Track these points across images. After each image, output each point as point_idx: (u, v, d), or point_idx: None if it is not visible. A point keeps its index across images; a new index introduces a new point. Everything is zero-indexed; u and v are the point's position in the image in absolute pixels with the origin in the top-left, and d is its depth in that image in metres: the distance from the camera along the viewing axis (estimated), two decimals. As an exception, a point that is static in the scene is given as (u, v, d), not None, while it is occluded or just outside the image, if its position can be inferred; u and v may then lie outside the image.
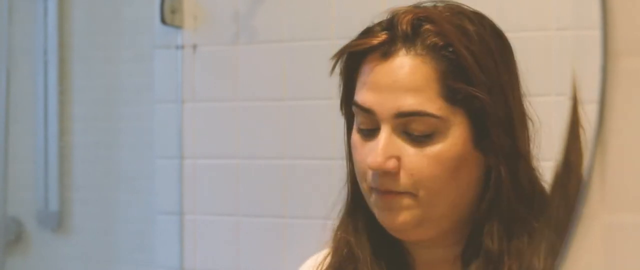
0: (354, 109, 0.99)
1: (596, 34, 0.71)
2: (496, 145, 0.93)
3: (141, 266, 1.98)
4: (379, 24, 1.01)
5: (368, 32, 1.01)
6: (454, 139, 0.93)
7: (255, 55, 1.81)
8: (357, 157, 0.98)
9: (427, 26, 0.95)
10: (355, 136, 0.98)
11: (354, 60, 1.01)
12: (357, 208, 1.03)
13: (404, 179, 0.94)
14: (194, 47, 1.87)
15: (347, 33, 1.74)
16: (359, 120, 0.98)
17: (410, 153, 0.93)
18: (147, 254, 1.94)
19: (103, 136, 2.02)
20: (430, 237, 0.97)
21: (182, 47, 1.87)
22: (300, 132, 1.78)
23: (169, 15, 1.86)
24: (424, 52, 0.94)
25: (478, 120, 0.93)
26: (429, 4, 1.00)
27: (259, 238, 1.82)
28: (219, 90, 1.85)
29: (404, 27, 0.96)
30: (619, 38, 0.69)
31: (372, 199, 0.98)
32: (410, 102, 0.93)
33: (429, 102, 0.92)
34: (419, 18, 0.96)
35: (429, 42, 0.95)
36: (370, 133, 0.96)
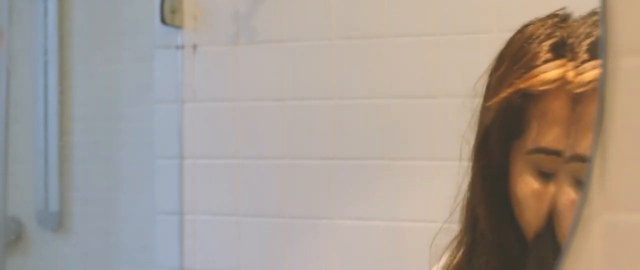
0: (536, 156, 0.88)
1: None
2: None
3: (141, 266, 1.98)
4: (541, 48, 0.87)
5: (536, 62, 0.87)
6: None
7: (255, 55, 1.81)
8: (536, 204, 0.88)
9: None
10: (531, 181, 0.88)
11: (523, 99, 0.88)
12: (477, 256, 0.95)
13: None
14: (194, 47, 1.87)
15: (347, 33, 1.75)
16: (543, 165, 0.88)
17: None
18: (147, 254, 1.94)
19: (103, 136, 2.02)
20: None
21: (182, 47, 1.87)
22: (300, 132, 1.78)
23: (169, 15, 1.86)
24: None
25: None
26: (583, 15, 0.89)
27: (260, 238, 1.82)
28: (219, 90, 1.85)
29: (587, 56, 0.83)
30: (619, 38, 0.69)
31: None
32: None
33: None
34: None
35: None
36: (552, 174, 0.87)
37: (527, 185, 0.89)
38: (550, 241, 0.87)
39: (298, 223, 1.78)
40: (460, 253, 0.98)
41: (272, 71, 1.80)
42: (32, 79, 2.06)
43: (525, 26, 0.92)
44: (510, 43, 0.92)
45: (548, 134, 0.86)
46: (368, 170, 1.71)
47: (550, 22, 0.91)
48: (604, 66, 0.69)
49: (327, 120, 1.74)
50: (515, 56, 0.90)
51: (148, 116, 1.93)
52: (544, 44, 0.88)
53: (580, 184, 0.82)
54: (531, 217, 0.90)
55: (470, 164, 0.95)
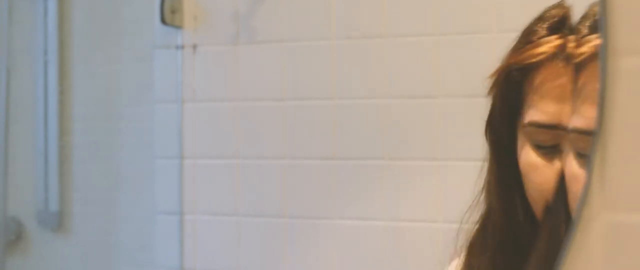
0: (530, 129, 0.90)
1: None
2: None
3: (141, 266, 1.98)
4: (541, 27, 0.90)
5: (533, 40, 0.90)
6: None
7: (255, 55, 1.81)
8: (538, 178, 0.90)
9: None
10: (533, 158, 0.90)
11: (519, 73, 0.91)
12: (508, 231, 0.95)
13: None
14: (194, 47, 1.87)
15: (347, 33, 1.75)
16: (538, 139, 0.90)
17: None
18: (147, 254, 1.94)
19: (103, 136, 2.02)
20: None
21: (182, 47, 1.87)
22: (300, 132, 1.78)
23: (169, 15, 1.86)
24: None
25: None
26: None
27: (259, 238, 1.82)
28: (219, 90, 1.85)
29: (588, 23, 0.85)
30: (619, 38, 0.69)
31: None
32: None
33: None
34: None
35: None
36: (555, 148, 0.88)
37: (527, 159, 0.91)
38: (561, 214, 0.88)
39: (298, 223, 1.78)
40: (475, 228, 0.99)
41: (272, 71, 1.80)
42: (32, 79, 2.06)
43: (543, 10, 0.93)
44: (525, 26, 0.94)
45: (542, 108, 0.88)
46: (368, 170, 1.71)
47: (565, 4, 0.92)
48: (604, 66, 0.69)
49: (327, 120, 1.74)
50: (521, 36, 0.93)
51: (148, 116, 1.93)
52: (546, 23, 0.90)
53: (583, 157, 0.83)
54: (534, 190, 0.91)
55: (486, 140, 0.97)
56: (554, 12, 0.91)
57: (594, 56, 0.80)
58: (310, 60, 1.76)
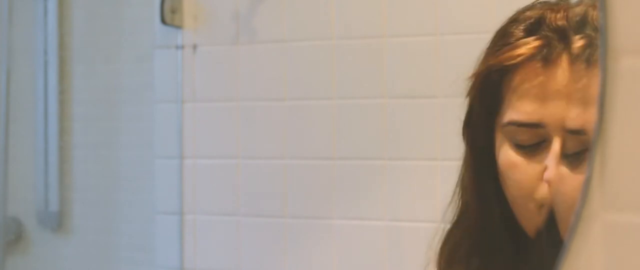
0: (509, 128, 0.91)
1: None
2: None
3: (141, 266, 1.98)
4: (517, 28, 0.91)
5: (510, 41, 0.91)
6: None
7: (255, 55, 1.81)
8: (518, 176, 0.91)
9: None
10: (513, 156, 0.91)
11: (496, 75, 0.92)
12: (483, 229, 0.97)
13: None
14: (194, 47, 1.87)
15: (347, 33, 1.75)
16: (517, 138, 0.91)
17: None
18: (147, 254, 1.94)
19: (103, 136, 2.02)
20: None
21: (182, 47, 1.87)
22: (300, 132, 1.78)
23: (169, 15, 1.86)
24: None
25: None
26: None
27: (259, 238, 1.82)
28: (219, 90, 1.85)
29: (561, 24, 0.88)
30: (619, 38, 0.69)
31: (534, 220, 0.91)
32: (580, 119, 0.82)
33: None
34: (575, 14, 0.88)
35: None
36: (536, 147, 0.89)
37: (507, 158, 0.92)
38: (549, 217, 0.89)
39: (298, 223, 1.78)
40: (449, 227, 1.01)
41: (272, 71, 1.80)
42: (32, 79, 2.06)
43: (516, 12, 0.95)
44: (498, 28, 0.96)
45: (521, 108, 0.90)
46: (368, 170, 1.71)
47: (539, 5, 0.94)
48: (604, 66, 0.69)
49: (327, 120, 1.74)
50: (495, 37, 0.95)
51: (148, 116, 1.93)
52: (521, 25, 0.92)
53: (566, 156, 0.85)
54: (514, 189, 0.92)
55: (463, 139, 0.99)
56: (528, 13, 0.93)
57: (579, 56, 0.83)
58: (310, 60, 1.76)
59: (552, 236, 0.87)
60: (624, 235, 0.69)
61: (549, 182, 0.88)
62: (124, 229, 2.00)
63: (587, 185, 0.70)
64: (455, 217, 1.02)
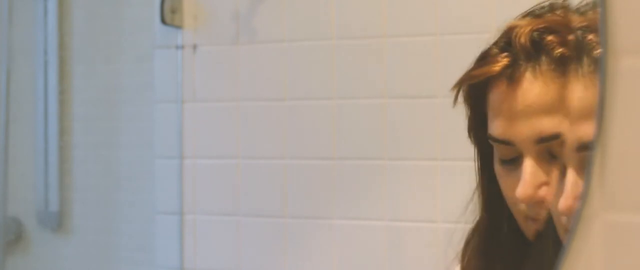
0: (490, 141, 0.93)
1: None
2: None
3: (141, 266, 1.98)
4: (496, 44, 0.93)
5: (486, 57, 0.93)
6: None
7: (255, 55, 1.81)
8: (504, 186, 0.93)
9: (549, 38, 0.88)
10: (498, 167, 0.93)
11: (478, 89, 0.93)
12: (494, 232, 0.97)
13: None
14: (194, 47, 1.87)
15: (347, 33, 1.75)
16: (498, 152, 0.92)
17: None
18: (147, 254, 1.94)
19: (103, 136, 2.02)
20: None
21: (182, 47, 1.87)
22: (300, 132, 1.78)
23: (169, 15, 1.86)
24: (551, 67, 0.87)
25: None
26: (545, 10, 0.93)
27: (259, 238, 1.82)
28: (219, 90, 1.85)
29: (523, 42, 0.89)
30: (619, 38, 0.69)
31: (528, 227, 0.92)
32: (548, 126, 0.86)
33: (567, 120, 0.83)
34: (539, 30, 0.89)
35: (554, 54, 0.87)
36: (513, 162, 0.90)
37: (495, 168, 0.94)
38: (549, 229, 0.89)
39: (298, 223, 1.78)
40: (469, 231, 1.02)
41: (272, 71, 1.80)
42: (32, 79, 2.06)
43: (509, 21, 0.97)
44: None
45: (496, 124, 0.91)
46: (368, 170, 1.71)
47: (527, 14, 0.96)
48: (604, 66, 0.69)
49: (327, 120, 1.74)
50: (481, 52, 0.96)
51: (148, 116, 1.93)
52: (502, 39, 0.93)
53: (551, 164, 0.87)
54: (506, 197, 0.94)
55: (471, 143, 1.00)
56: (502, 31, 0.94)
57: (534, 76, 0.87)
58: (310, 60, 1.76)
59: (552, 239, 0.87)
60: (624, 235, 0.69)
61: (521, 201, 0.89)
62: (124, 229, 2.00)
63: (587, 185, 0.70)
64: (474, 222, 1.02)
